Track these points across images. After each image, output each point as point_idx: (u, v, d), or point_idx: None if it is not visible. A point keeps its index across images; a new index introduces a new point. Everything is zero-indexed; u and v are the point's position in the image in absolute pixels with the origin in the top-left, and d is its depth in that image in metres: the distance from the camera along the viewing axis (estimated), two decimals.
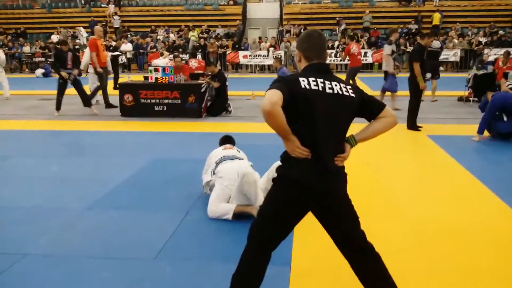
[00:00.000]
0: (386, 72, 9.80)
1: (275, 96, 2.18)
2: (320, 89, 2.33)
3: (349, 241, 2.51)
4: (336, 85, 2.38)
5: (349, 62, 11.54)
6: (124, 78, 11.44)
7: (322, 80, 2.36)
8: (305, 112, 2.29)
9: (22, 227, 3.95)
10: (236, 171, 4.17)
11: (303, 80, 2.32)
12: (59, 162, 5.97)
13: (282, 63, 10.84)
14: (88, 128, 8.31)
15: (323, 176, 2.34)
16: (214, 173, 4.36)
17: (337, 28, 21.96)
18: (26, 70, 20.58)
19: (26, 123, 8.88)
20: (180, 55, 10.53)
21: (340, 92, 2.37)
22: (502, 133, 6.93)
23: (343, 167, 2.44)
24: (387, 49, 9.74)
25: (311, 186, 2.33)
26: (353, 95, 2.40)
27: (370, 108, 2.49)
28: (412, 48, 7.83)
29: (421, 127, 7.73)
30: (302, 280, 3.08)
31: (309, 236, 3.73)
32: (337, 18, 22.34)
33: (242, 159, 4.52)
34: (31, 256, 3.42)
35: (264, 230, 2.47)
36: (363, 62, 19.42)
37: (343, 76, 14.59)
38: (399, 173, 5.48)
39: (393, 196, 4.67)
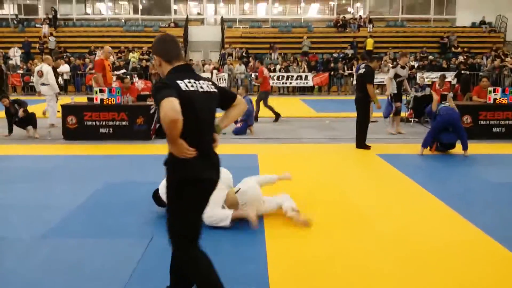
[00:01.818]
0: (391, 96, 9.66)
1: (177, 104, 2.30)
2: (196, 89, 2.57)
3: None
4: (203, 83, 2.65)
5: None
6: (64, 99, 10.95)
7: (194, 81, 2.59)
8: (189, 113, 2.43)
9: None
10: (226, 174, 4.39)
11: (181, 83, 2.52)
12: (4, 189, 5.53)
13: (227, 85, 10.96)
14: (31, 152, 7.83)
15: (210, 167, 2.64)
16: None
17: (271, 53, 22.45)
18: None
19: None
20: (127, 76, 10.22)
21: (208, 90, 2.65)
22: (445, 144, 7.46)
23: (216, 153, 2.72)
24: (391, 72, 9.82)
25: (204, 178, 2.59)
26: (215, 90, 2.71)
27: (226, 99, 2.81)
28: (362, 70, 8.07)
29: (369, 146, 7.98)
30: None
31: (283, 254, 3.70)
32: (270, 44, 22.87)
33: None
34: None
35: (190, 228, 2.68)
36: (303, 85, 20.13)
37: (289, 98, 14.62)
38: (358, 188, 5.60)
39: (357, 210, 4.77)
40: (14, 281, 3.27)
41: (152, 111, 8.90)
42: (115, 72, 9.76)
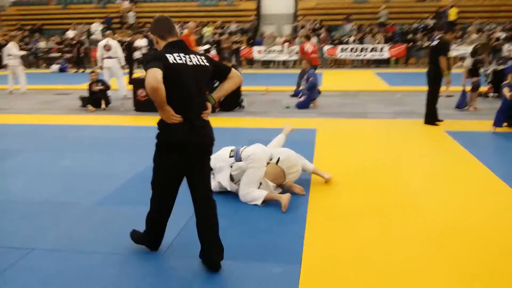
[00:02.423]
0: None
1: (159, 74, 2.66)
2: (184, 62, 2.86)
3: (204, 189, 3.09)
4: (194, 58, 2.93)
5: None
6: (138, 73, 11.43)
7: (183, 54, 2.88)
8: (175, 83, 2.79)
9: (31, 222, 3.93)
10: (264, 153, 4.43)
11: (170, 56, 2.83)
12: (72, 157, 5.95)
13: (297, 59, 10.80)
14: (102, 123, 8.30)
15: (198, 133, 2.93)
16: (232, 168, 4.39)
17: (344, 24, 21.57)
18: (44, 65, 20.75)
19: (41, 117, 8.91)
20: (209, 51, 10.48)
21: (198, 63, 2.93)
22: None
23: (208, 121, 3.03)
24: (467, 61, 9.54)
25: (187, 141, 2.90)
26: (207, 64, 2.98)
27: (220, 72, 3.08)
28: (436, 42, 7.67)
29: (438, 123, 7.59)
30: (312, 279, 2.98)
31: (320, 235, 3.65)
32: (346, 15, 22.00)
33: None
34: (38, 250, 3.39)
35: (167, 185, 3.09)
36: (379, 57, 19.33)
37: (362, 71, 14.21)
38: (417, 170, 5.32)
39: (411, 196, 4.52)
40: (67, 243, 3.52)
41: (216, 84, 9.01)
42: (199, 48, 9.93)
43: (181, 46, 2.95)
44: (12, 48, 12.07)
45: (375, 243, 3.48)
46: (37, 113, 9.42)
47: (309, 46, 10.93)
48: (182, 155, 2.94)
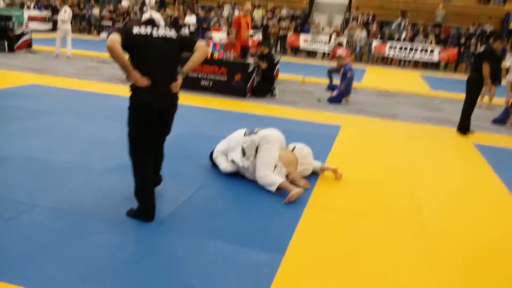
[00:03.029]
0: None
1: (115, 37, 3.16)
2: (149, 34, 3.34)
3: (162, 142, 3.74)
4: (160, 31, 3.41)
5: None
6: None
7: (150, 27, 3.39)
8: (139, 52, 3.28)
9: (42, 180, 4.17)
10: (279, 136, 4.60)
11: (135, 28, 3.35)
12: (98, 123, 6.21)
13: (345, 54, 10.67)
14: None
15: (160, 98, 3.36)
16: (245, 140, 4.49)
17: (399, 20, 20.86)
18: (95, 32, 21.40)
19: (80, 82, 9.27)
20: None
21: (164, 36, 3.40)
22: None
23: (177, 92, 3.47)
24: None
25: (153, 104, 3.35)
26: (174, 37, 3.44)
27: (186, 44, 3.48)
28: (481, 49, 7.50)
29: (472, 132, 7.45)
30: (291, 271, 3.03)
31: (312, 230, 3.68)
32: (402, 11, 21.27)
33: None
34: (40, 207, 3.61)
35: (141, 142, 3.49)
36: (428, 60, 18.72)
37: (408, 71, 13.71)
38: (430, 179, 5.21)
39: (416, 204, 4.46)
40: (69, 204, 3.73)
41: (250, 69, 9.09)
42: (250, 31, 10.02)
43: (151, 23, 3.46)
44: (65, 12, 12.50)
45: (365, 246, 3.48)
46: (78, 78, 9.80)
47: (341, 52, 10.79)
48: (148, 114, 3.39)
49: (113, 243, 3.21)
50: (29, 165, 4.51)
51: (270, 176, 4.32)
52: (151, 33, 3.35)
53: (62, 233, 3.26)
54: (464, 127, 7.46)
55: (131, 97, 3.40)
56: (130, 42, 3.24)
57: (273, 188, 4.25)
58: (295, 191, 4.14)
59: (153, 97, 3.34)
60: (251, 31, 10.35)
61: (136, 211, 3.55)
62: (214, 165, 4.79)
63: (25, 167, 4.48)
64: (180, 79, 3.45)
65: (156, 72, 3.32)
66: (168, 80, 3.40)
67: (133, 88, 3.36)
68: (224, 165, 4.62)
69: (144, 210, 3.52)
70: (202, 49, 3.45)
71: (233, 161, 4.54)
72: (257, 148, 4.42)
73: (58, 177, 4.26)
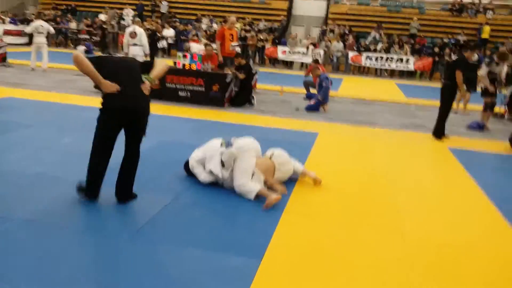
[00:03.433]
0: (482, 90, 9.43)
1: (79, 51, 3.90)
2: (110, 56, 4.09)
3: (135, 144, 3.92)
4: (121, 56, 4.29)
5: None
6: (168, 61, 11.62)
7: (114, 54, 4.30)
8: (107, 65, 3.74)
9: (18, 192, 4.10)
10: (255, 143, 4.61)
11: (104, 56, 4.14)
12: (74, 135, 6.13)
13: (320, 62, 10.76)
14: None
15: (131, 100, 3.68)
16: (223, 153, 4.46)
17: (374, 33, 21.24)
18: (72, 45, 21.22)
19: (56, 95, 9.15)
20: (210, 44, 10.55)
21: (124, 58, 4.21)
22: None
23: (147, 96, 3.81)
24: (483, 70, 9.51)
25: (126, 106, 3.66)
26: (135, 62, 4.04)
27: (146, 66, 3.97)
28: (454, 57, 7.76)
29: (447, 135, 7.63)
30: (268, 276, 3.03)
31: (290, 235, 3.69)
32: (377, 23, 21.67)
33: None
34: (14, 220, 3.55)
35: (106, 143, 3.81)
36: (403, 69, 19.08)
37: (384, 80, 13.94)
38: (407, 183, 5.29)
39: (393, 208, 4.50)
40: (45, 217, 3.66)
41: (228, 80, 9.12)
42: (232, 44, 10.04)
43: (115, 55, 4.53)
44: (48, 26, 12.41)
45: (342, 251, 3.50)
46: (53, 90, 9.68)
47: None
48: (118, 116, 3.70)
49: (89, 253, 3.17)
50: (4, 178, 4.43)
51: (248, 184, 4.33)
52: (112, 56, 3.98)
53: (39, 247, 3.19)
54: (439, 132, 7.63)
55: (104, 102, 3.68)
56: (98, 59, 3.72)
57: (252, 196, 4.26)
58: (272, 197, 4.15)
59: (125, 100, 3.63)
60: (236, 43, 10.37)
61: (84, 186, 3.91)
62: (190, 175, 4.75)
63: (1, 179, 4.39)
64: (147, 83, 3.79)
65: (124, 80, 3.67)
66: (137, 85, 3.74)
67: (104, 96, 3.66)
68: (203, 176, 4.59)
69: (90, 187, 3.89)
70: (163, 62, 4.02)
71: (211, 172, 4.52)
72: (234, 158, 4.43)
73: (33, 189, 4.19)
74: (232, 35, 10.27)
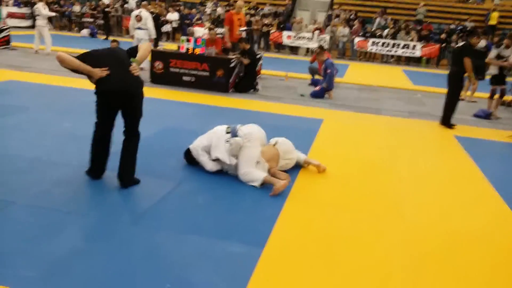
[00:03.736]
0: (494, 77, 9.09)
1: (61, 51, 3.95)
2: (100, 49, 4.05)
3: (133, 123, 3.98)
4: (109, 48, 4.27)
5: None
6: (171, 46, 11.51)
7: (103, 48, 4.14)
8: (94, 55, 3.87)
9: (18, 176, 4.05)
10: (260, 132, 4.56)
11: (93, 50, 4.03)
12: (74, 119, 6.08)
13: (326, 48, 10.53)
14: None
15: (122, 82, 3.78)
16: (230, 142, 4.38)
17: (379, 19, 20.95)
18: (76, 29, 21.07)
19: (58, 78, 9.07)
20: (214, 28, 10.39)
21: (111, 49, 4.27)
22: None
23: (138, 77, 3.92)
24: (493, 53, 9.25)
25: (114, 88, 3.77)
26: (121, 50, 4.18)
27: (132, 51, 4.09)
28: (460, 44, 7.54)
29: (454, 125, 7.48)
30: (270, 264, 2.98)
31: (292, 222, 3.64)
32: (382, 8, 21.35)
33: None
34: (16, 204, 3.51)
35: (101, 124, 4.00)
36: (410, 55, 18.85)
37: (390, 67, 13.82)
38: (411, 171, 5.21)
39: (397, 195, 4.45)
40: (45, 200, 3.63)
41: (232, 64, 9.02)
42: (240, 29, 9.90)
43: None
44: (40, 8, 12.28)
45: (345, 239, 3.45)
46: (56, 74, 9.59)
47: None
48: (109, 98, 3.85)
49: (89, 237, 3.14)
50: (4, 162, 4.38)
51: (253, 172, 4.28)
52: (102, 49, 4.04)
53: (37, 230, 3.16)
54: (446, 121, 7.51)
55: (97, 86, 3.81)
56: (82, 55, 3.81)
57: (257, 184, 4.21)
58: (281, 183, 4.11)
59: (114, 83, 3.75)
60: (243, 28, 10.22)
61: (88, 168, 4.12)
62: (191, 163, 4.66)
63: (0, 164, 4.35)
64: (135, 64, 3.91)
65: (112, 66, 3.79)
66: (124, 68, 3.85)
67: (97, 81, 3.77)
68: (210, 165, 4.49)
69: (92, 166, 4.09)
70: (145, 44, 4.19)
71: (217, 159, 4.45)
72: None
73: (33, 174, 4.14)
74: (240, 19, 10.13)
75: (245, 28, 10.21)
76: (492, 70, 8.99)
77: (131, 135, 3.99)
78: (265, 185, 4.18)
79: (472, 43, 7.56)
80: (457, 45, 7.81)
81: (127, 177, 4.02)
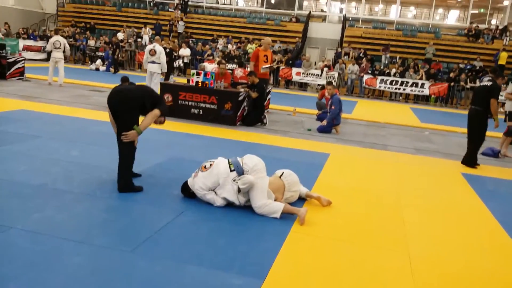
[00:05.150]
0: (510, 113, 8.90)
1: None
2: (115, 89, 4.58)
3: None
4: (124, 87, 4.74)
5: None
6: (182, 80, 11.72)
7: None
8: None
9: (21, 202, 4.06)
10: (261, 162, 4.52)
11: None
12: (82, 148, 6.14)
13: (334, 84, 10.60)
14: None
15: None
16: (237, 180, 4.31)
17: (382, 55, 21.23)
18: (89, 62, 21.56)
19: (69, 109, 9.23)
20: (224, 63, 10.54)
21: (124, 88, 4.70)
22: None
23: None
24: (509, 88, 9.09)
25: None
26: (135, 90, 4.64)
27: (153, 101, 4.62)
28: (488, 83, 7.38)
29: (478, 164, 7.42)
30: None
31: (295, 255, 3.58)
32: (386, 46, 21.61)
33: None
34: (16, 229, 3.51)
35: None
36: (418, 93, 18.95)
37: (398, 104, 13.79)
38: (417, 207, 5.13)
39: (401, 231, 4.37)
40: (45, 227, 3.62)
41: (240, 98, 9.12)
42: (263, 66, 9.87)
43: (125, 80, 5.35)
44: (62, 41, 12.67)
45: (349, 273, 3.37)
46: (67, 105, 9.77)
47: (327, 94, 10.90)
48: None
49: (86, 263, 3.10)
50: (9, 188, 4.41)
51: (271, 203, 4.28)
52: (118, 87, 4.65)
53: (36, 256, 3.14)
54: (472, 161, 7.40)
55: None
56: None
57: (277, 215, 4.22)
58: (301, 211, 4.23)
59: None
60: (267, 66, 10.13)
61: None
62: (187, 196, 4.58)
63: (4, 189, 4.37)
64: (132, 132, 4.40)
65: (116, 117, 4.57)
66: (124, 129, 4.49)
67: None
68: (220, 202, 4.42)
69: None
70: (154, 111, 4.50)
71: (225, 199, 4.40)
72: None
73: (36, 200, 4.15)
74: (266, 56, 10.16)
75: (268, 65, 10.20)
76: (508, 108, 8.87)
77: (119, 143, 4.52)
78: (265, 217, 4.17)
79: (498, 83, 7.47)
80: (482, 84, 7.68)
81: (119, 182, 4.53)
